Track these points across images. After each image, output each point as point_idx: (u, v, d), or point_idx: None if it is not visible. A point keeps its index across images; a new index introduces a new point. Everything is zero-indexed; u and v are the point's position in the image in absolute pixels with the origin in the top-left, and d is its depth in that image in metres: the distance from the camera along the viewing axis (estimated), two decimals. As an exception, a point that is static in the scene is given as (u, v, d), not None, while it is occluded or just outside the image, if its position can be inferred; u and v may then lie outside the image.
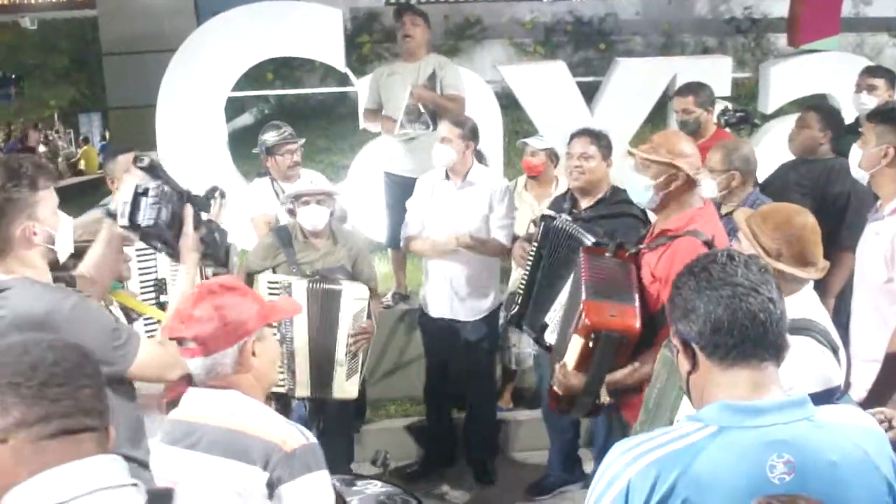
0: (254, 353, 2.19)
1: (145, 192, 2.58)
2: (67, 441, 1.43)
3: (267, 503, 2.08)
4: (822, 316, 2.65)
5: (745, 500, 1.56)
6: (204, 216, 2.80)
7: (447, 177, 4.58)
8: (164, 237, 2.66)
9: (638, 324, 3.02)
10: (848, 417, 1.73)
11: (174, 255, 2.72)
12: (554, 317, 3.81)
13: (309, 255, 4.23)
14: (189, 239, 2.70)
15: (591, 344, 3.03)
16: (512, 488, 4.79)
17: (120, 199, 2.60)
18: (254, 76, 7.25)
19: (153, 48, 7.56)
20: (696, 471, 1.59)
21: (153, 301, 3.87)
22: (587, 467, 4.80)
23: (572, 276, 3.55)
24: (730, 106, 5.45)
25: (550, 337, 3.81)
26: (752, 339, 1.65)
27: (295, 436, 2.14)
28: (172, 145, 6.08)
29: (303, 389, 4.02)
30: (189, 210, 2.69)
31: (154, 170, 2.63)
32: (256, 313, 2.21)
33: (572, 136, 4.16)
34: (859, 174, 3.51)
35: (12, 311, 2.30)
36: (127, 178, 2.65)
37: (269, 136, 4.85)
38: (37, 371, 1.42)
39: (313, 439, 2.17)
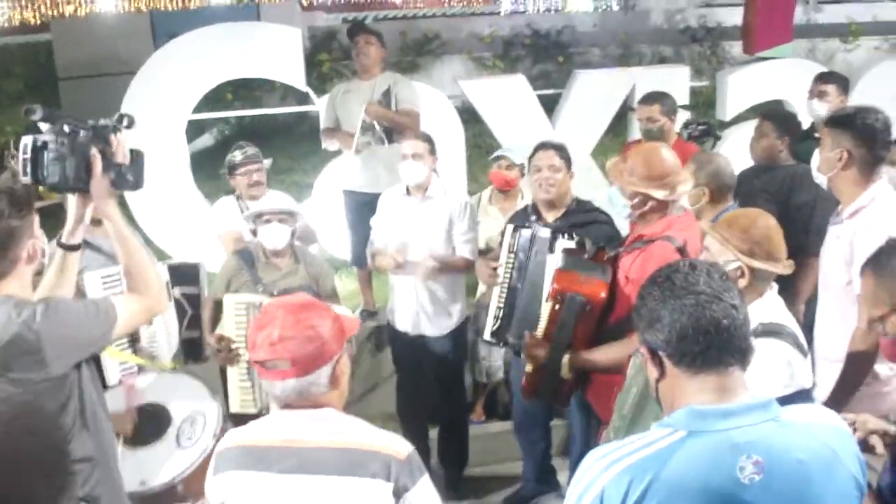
0: None
1: (45, 146, 2.48)
2: None
3: None
4: (788, 319, 2.72)
5: (716, 501, 1.59)
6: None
7: (408, 192, 4.59)
8: (73, 188, 2.58)
9: (604, 294, 3.10)
10: (813, 416, 1.78)
11: (88, 196, 2.63)
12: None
13: (271, 274, 4.22)
14: (98, 185, 2.60)
15: (556, 307, 3.09)
16: (487, 501, 4.79)
17: (19, 154, 2.49)
18: (213, 97, 7.21)
19: (109, 71, 7.52)
20: (667, 475, 1.62)
21: (126, 342, 3.84)
22: (561, 477, 4.81)
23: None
24: (690, 117, 5.52)
25: None
26: (717, 345, 1.69)
27: (400, 442, 2.15)
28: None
29: None
30: (96, 155, 2.57)
31: (51, 118, 2.51)
32: (339, 329, 2.18)
33: (536, 149, 4.18)
34: (819, 179, 3.59)
35: None
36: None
37: (234, 156, 4.88)
38: None
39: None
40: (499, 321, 4.11)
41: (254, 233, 4.28)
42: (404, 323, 4.68)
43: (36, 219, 2.49)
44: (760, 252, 2.72)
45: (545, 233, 3.92)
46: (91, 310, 2.52)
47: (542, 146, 4.18)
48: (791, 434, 1.67)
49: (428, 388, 4.84)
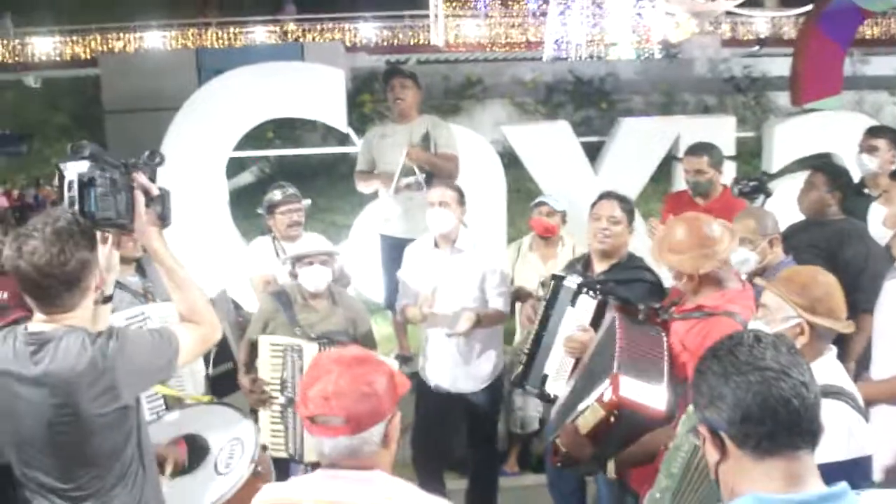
0: None
1: (91, 182, 2.46)
2: None
3: None
4: (847, 382, 2.60)
5: None
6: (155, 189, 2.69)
7: (436, 245, 4.49)
8: (119, 225, 2.58)
9: (664, 408, 2.92)
10: None
11: (130, 233, 2.66)
12: (553, 363, 3.72)
13: (310, 317, 4.14)
14: (144, 220, 2.62)
15: (611, 419, 2.93)
16: (519, 558, 4.64)
17: (64, 189, 2.49)
18: (254, 135, 7.24)
19: (155, 106, 7.59)
20: None
21: None
22: (594, 536, 4.65)
23: (602, 335, 3.46)
24: (740, 173, 5.43)
25: (553, 387, 3.72)
26: (785, 426, 1.55)
27: None
28: (173, 204, 6.02)
29: (311, 454, 3.89)
30: (140, 195, 2.60)
31: (95, 156, 2.50)
32: (393, 386, 2.07)
33: (600, 198, 4.07)
34: (881, 232, 3.48)
35: (60, 365, 2.37)
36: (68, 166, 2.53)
37: (273, 195, 4.84)
38: None
39: None
40: (522, 367, 4.00)
41: (293, 275, 4.20)
42: (439, 378, 4.53)
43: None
44: (822, 309, 2.62)
45: (571, 283, 3.77)
46: (156, 338, 2.56)
47: (606, 196, 4.06)
48: None
49: (451, 439, 4.71)
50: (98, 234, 2.69)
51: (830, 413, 2.26)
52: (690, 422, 2.24)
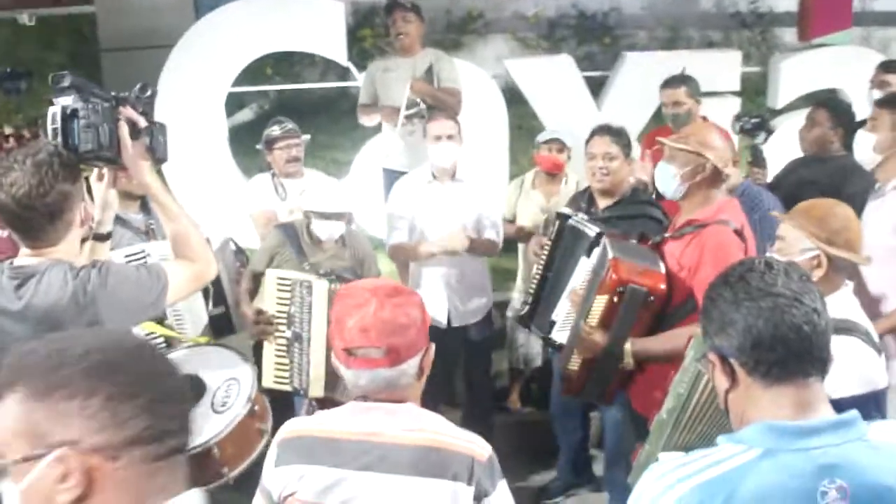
0: None
1: (75, 114, 2.42)
2: (172, 463, 1.29)
3: None
4: (862, 317, 2.59)
5: None
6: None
7: (431, 177, 4.46)
8: (104, 157, 2.54)
9: (664, 286, 2.96)
10: None
11: (121, 167, 2.61)
12: (561, 312, 3.72)
13: (317, 254, 4.12)
14: (132, 153, 2.55)
15: (615, 299, 2.96)
16: (520, 491, 4.67)
17: (48, 122, 2.45)
18: (252, 71, 7.12)
19: (151, 44, 7.43)
20: (742, 497, 1.46)
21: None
22: (597, 469, 4.70)
23: (592, 266, 3.46)
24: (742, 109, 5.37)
25: (559, 335, 3.71)
26: (795, 353, 1.53)
27: (480, 443, 2.04)
28: (172, 141, 5.96)
29: (317, 389, 3.90)
30: (124, 128, 2.53)
31: (80, 88, 2.45)
32: (425, 316, 2.06)
33: (592, 135, 4.02)
34: (867, 157, 3.63)
35: (42, 299, 2.37)
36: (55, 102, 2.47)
37: (272, 130, 4.78)
38: (155, 383, 1.28)
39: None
40: (527, 306, 4.03)
41: (308, 223, 4.16)
42: (434, 312, 4.53)
43: (84, 183, 2.50)
44: (840, 241, 2.61)
45: (591, 230, 3.69)
46: (143, 274, 2.52)
47: (599, 131, 4.00)
48: (880, 457, 1.49)
49: (447, 373, 4.74)
50: (95, 171, 2.66)
51: (843, 349, 2.25)
52: (699, 348, 2.23)
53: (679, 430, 2.39)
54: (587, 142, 4.03)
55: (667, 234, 3.26)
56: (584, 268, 3.63)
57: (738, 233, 3.05)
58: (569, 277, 3.72)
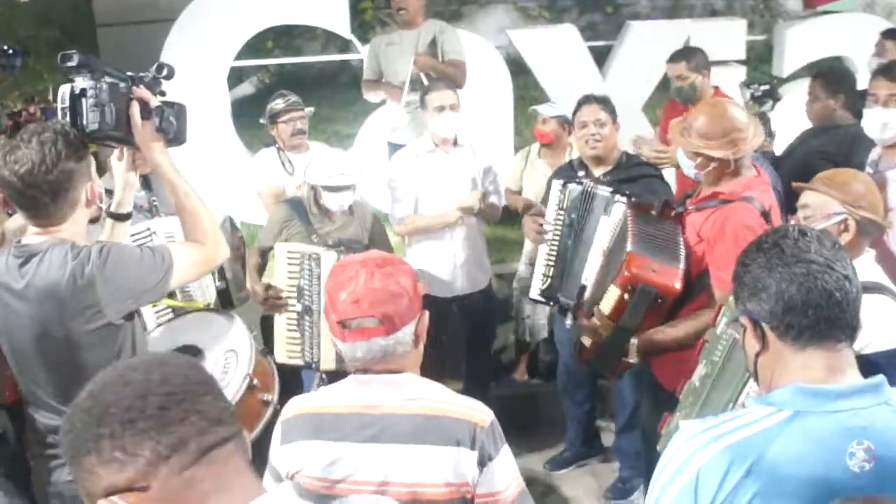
0: None
1: (83, 93, 2.41)
2: (212, 461, 1.24)
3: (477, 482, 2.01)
4: (886, 280, 2.62)
5: (823, 489, 1.47)
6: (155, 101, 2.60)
7: (433, 147, 4.46)
8: (113, 137, 2.52)
9: (679, 285, 2.94)
10: None
11: (134, 146, 2.59)
12: (590, 275, 3.68)
13: (325, 226, 4.13)
14: (143, 132, 2.52)
15: (626, 296, 2.95)
16: (529, 462, 4.70)
17: (58, 101, 2.45)
18: (253, 45, 7.06)
19: (149, 18, 7.37)
20: (772, 458, 1.49)
21: None
22: (605, 440, 4.72)
23: (615, 232, 3.45)
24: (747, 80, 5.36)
25: None
26: (827, 318, 1.55)
27: (481, 408, 2.05)
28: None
29: (328, 363, 3.91)
30: (135, 107, 2.51)
31: (91, 67, 2.44)
32: (416, 283, 2.06)
33: (580, 104, 4.08)
34: (878, 131, 3.77)
35: (42, 278, 2.36)
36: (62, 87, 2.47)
37: (276, 104, 4.74)
38: (147, 398, 1.23)
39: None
40: (549, 280, 3.98)
41: (315, 196, 4.14)
42: (436, 283, 4.53)
43: (92, 162, 2.48)
44: (865, 203, 2.66)
45: (604, 191, 3.73)
46: (147, 255, 2.49)
47: (586, 100, 4.07)
48: None
49: (450, 343, 4.76)
50: (115, 152, 2.65)
51: (873, 306, 2.26)
52: (731, 313, 2.24)
53: (713, 396, 2.40)
54: (574, 112, 4.09)
55: (690, 206, 3.23)
56: (605, 227, 3.64)
57: (765, 214, 3.00)
58: (590, 240, 3.72)
